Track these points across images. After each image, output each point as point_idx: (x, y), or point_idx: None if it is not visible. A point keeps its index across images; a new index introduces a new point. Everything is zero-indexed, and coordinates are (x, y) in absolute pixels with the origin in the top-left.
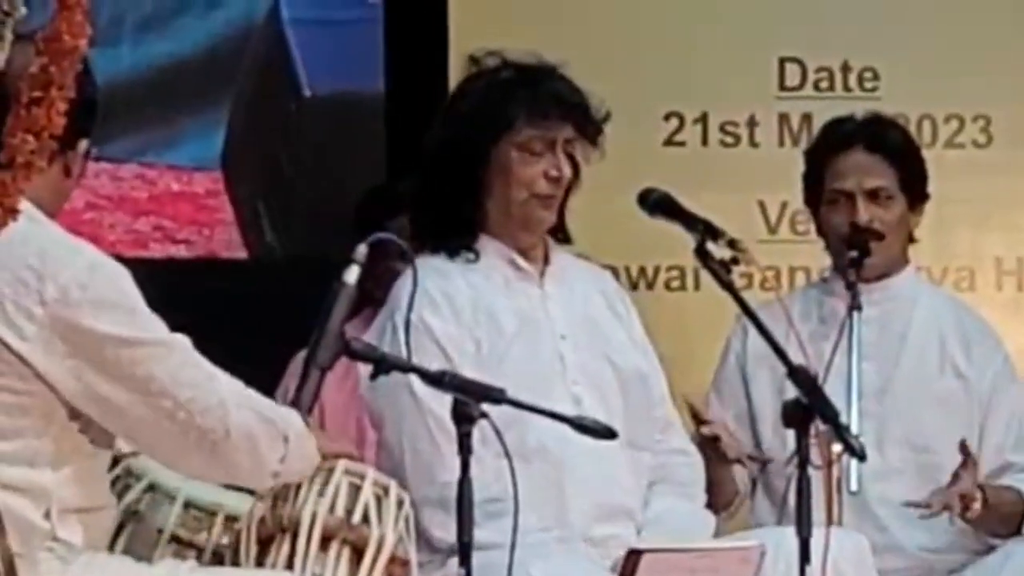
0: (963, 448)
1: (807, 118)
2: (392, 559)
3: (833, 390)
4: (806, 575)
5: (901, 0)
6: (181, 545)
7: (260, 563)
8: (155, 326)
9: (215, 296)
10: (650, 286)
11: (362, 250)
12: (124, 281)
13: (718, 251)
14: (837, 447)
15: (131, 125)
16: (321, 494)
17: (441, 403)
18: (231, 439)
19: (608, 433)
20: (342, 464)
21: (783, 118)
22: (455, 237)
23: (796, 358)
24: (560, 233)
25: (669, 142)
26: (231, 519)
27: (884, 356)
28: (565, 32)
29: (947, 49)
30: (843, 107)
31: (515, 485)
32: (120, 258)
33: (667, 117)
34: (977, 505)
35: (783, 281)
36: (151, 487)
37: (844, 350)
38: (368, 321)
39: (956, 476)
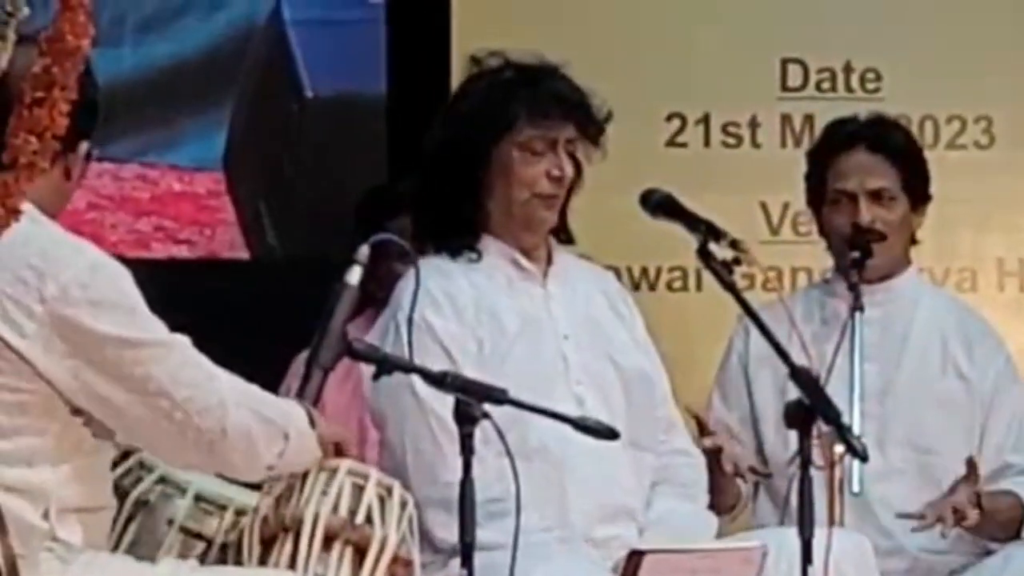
0: (970, 464)
1: (809, 119)
2: (395, 559)
3: (835, 391)
4: None
5: (903, 1)
6: (190, 537)
7: (263, 562)
8: (155, 326)
9: (216, 296)
10: (652, 287)
11: (364, 251)
12: (125, 281)
13: (720, 252)
14: (839, 448)
15: (133, 125)
16: (324, 494)
17: (443, 403)
18: (228, 439)
19: (610, 433)
20: (345, 464)
21: (785, 119)
22: (457, 237)
23: (798, 359)
24: (562, 234)
25: (671, 143)
26: (240, 513)
27: (886, 357)
28: (567, 32)
29: (949, 50)
30: (845, 108)
31: (517, 485)
32: (121, 258)
33: (669, 118)
34: (971, 519)
35: (785, 282)
36: (162, 479)
37: (846, 351)
38: (370, 322)
39: (954, 487)
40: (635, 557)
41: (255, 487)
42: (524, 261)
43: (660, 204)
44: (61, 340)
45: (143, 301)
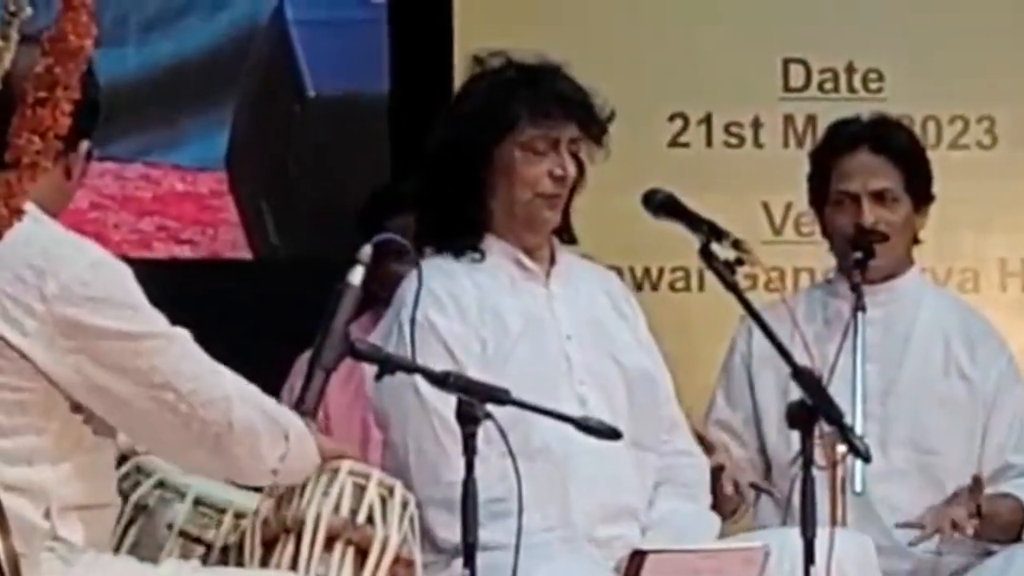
0: (976, 481)
1: (811, 119)
2: (396, 560)
3: (837, 391)
4: None
5: (906, 1)
6: (190, 541)
7: (264, 563)
8: (156, 320)
9: (219, 296)
10: (654, 287)
11: (367, 251)
12: (126, 279)
13: (722, 252)
14: (841, 448)
15: (135, 125)
16: (326, 494)
17: (446, 403)
18: (234, 432)
19: (613, 434)
20: (347, 465)
21: (788, 119)
22: (460, 237)
23: (801, 359)
24: (565, 234)
25: (673, 143)
26: (240, 517)
27: (888, 357)
28: (569, 32)
29: (952, 50)
30: (848, 108)
31: (519, 485)
32: (124, 258)
33: (671, 118)
34: (969, 531)
35: (787, 282)
36: (161, 483)
37: (848, 351)
38: (373, 322)
39: (955, 497)
40: (637, 557)
41: (255, 490)
42: (527, 261)
43: (662, 204)
44: (63, 338)
45: (145, 298)
